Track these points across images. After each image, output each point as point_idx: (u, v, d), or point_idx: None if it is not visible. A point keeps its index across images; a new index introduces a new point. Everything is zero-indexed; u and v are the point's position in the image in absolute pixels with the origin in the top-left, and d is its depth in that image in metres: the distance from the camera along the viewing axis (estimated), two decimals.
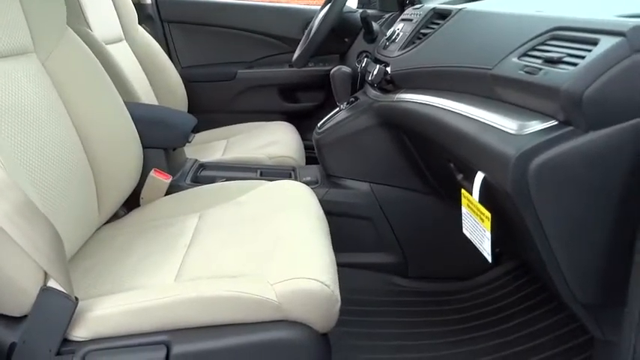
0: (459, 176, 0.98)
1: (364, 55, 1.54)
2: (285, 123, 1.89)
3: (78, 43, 1.08)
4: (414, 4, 1.52)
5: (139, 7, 1.85)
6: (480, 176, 0.74)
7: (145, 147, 1.17)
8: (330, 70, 1.97)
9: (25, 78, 0.91)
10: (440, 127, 0.89)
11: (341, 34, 1.53)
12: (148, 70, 1.77)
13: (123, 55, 1.64)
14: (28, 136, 0.85)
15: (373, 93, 1.25)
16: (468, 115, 0.80)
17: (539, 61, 0.66)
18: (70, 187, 0.92)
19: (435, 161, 1.13)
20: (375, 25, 1.53)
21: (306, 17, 2.00)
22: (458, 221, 1.09)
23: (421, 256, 1.32)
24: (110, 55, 1.42)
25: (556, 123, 0.62)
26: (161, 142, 1.24)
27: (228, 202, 1.11)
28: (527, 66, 0.67)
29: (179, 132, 1.26)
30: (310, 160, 1.61)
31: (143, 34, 1.81)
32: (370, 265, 1.32)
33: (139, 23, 1.80)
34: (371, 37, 1.53)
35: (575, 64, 0.60)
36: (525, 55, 0.71)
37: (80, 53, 1.08)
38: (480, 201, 0.75)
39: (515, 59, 0.71)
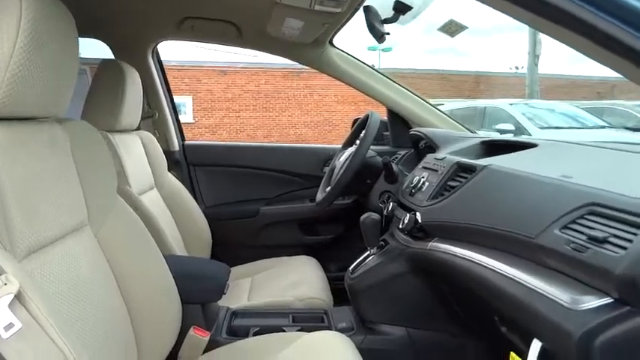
0: (503, 329, 0.99)
1: (387, 195, 1.61)
2: (307, 257, 1.92)
3: (124, 207, 1.14)
4: (431, 148, 1.63)
5: (168, 154, 1.97)
6: (537, 345, 0.75)
7: (183, 303, 1.18)
8: (348, 203, 2.07)
9: (82, 252, 0.94)
10: (483, 284, 0.92)
11: (363, 176, 1.62)
12: (175, 212, 1.84)
13: (154, 203, 1.71)
14: (82, 309, 0.86)
15: (403, 238, 1.29)
16: (512, 277, 0.83)
17: (583, 237, 0.71)
18: (114, 354, 0.92)
19: (472, 309, 1.14)
20: (394, 167, 1.63)
21: (324, 155, 2.13)
22: None
23: None
24: (146, 208, 1.48)
25: (611, 300, 0.65)
26: (199, 297, 1.25)
27: (268, 359, 1.10)
28: (572, 242, 0.71)
29: (215, 285, 1.28)
30: (335, 293, 1.61)
31: (171, 179, 1.91)
32: None
33: (168, 170, 1.91)
34: (392, 178, 1.61)
35: (623, 247, 0.64)
36: (566, 227, 0.76)
37: (126, 217, 1.13)
38: None
39: (557, 231, 0.76)
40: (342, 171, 1.58)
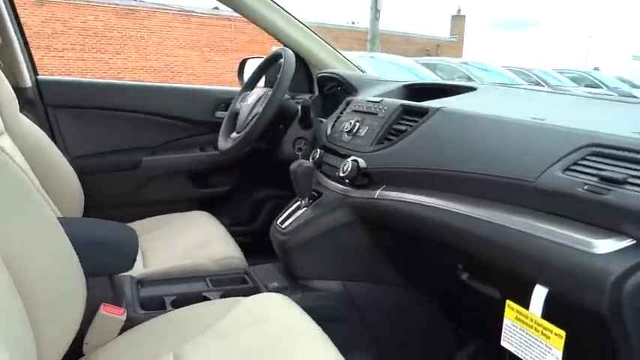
0: (464, 275, 0.97)
1: (303, 142, 1.49)
2: (202, 213, 1.72)
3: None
4: (346, 92, 1.54)
5: (19, 91, 1.55)
6: (541, 290, 0.73)
7: (86, 275, 0.94)
8: (245, 152, 1.89)
9: None
10: (456, 233, 0.88)
11: (277, 121, 1.46)
12: (34, 164, 1.47)
13: (9, 153, 1.33)
14: None
15: (341, 187, 1.20)
16: (501, 223, 0.79)
17: (594, 178, 0.69)
18: (5, 343, 0.69)
19: (423, 258, 1.11)
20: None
21: (215, 98, 1.89)
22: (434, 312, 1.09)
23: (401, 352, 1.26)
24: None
25: (634, 242, 0.64)
26: (107, 267, 1.01)
27: (205, 331, 0.94)
28: (586, 184, 0.69)
29: (126, 252, 1.04)
30: (244, 248, 1.47)
31: (25, 123, 1.51)
32: None
33: (20, 111, 1.50)
34: (307, 123, 1.49)
35: None
36: (569, 169, 0.73)
37: (2, 169, 0.84)
38: (543, 316, 0.74)
39: (560, 174, 0.73)
40: (255, 115, 1.40)
